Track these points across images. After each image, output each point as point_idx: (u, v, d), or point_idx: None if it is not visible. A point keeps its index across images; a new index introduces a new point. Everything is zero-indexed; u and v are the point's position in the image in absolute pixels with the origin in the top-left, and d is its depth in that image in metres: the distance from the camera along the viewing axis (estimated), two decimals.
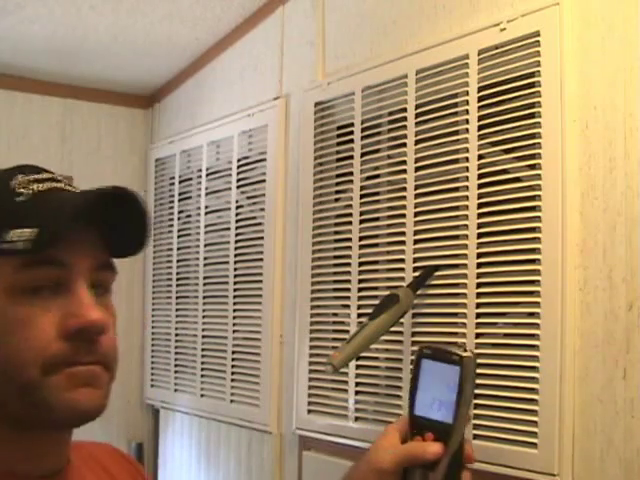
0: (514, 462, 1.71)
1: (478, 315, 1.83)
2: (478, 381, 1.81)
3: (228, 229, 2.84)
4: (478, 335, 1.83)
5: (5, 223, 0.81)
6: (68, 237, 0.82)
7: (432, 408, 0.95)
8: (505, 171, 1.82)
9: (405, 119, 2.06)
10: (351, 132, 2.26)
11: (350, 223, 2.24)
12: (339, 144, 2.33)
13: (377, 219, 2.18)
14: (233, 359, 2.78)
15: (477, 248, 1.84)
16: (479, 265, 1.84)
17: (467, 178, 1.88)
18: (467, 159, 1.88)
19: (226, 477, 2.84)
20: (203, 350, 2.96)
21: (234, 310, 2.79)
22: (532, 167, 1.74)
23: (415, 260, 2.00)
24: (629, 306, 1.55)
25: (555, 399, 1.64)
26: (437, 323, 1.95)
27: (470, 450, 0.98)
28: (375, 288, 2.15)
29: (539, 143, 1.72)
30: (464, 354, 0.94)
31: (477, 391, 1.82)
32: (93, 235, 0.88)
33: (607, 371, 1.58)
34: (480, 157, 1.86)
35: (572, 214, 1.66)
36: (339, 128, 2.34)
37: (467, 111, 1.89)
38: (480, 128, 1.85)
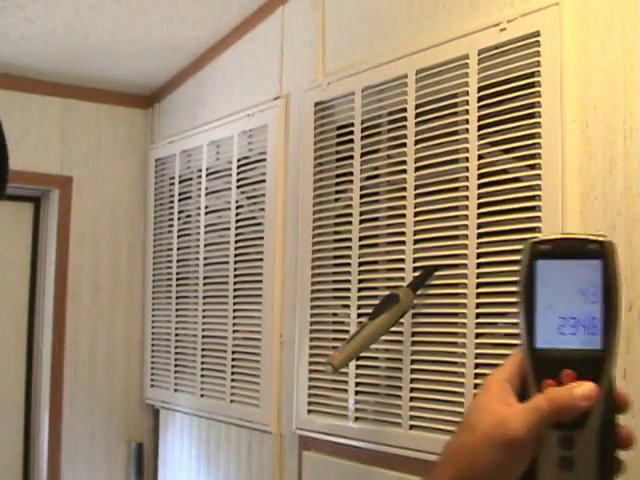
0: None
1: (478, 315, 1.83)
2: (477, 381, 1.81)
3: (228, 229, 2.84)
4: (478, 335, 1.83)
5: None
6: None
7: (563, 333, 0.63)
8: (505, 171, 1.82)
9: (405, 119, 2.06)
10: (351, 132, 2.26)
11: (350, 223, 2.24)
12: (339, 144, 2.33)
13: (377, 219, 2.18)
14: (233, 359, 2.78)
15: (477, 248, 1.84)
16: (479, 265, 1.84)
17: (467, 178, 1.88)
18: (467, 159, 1.88)
19: (226, 477, 2.84)
20: (203, 350, 2.96)
21: (234, 310, 2.79)
22: (532, 167, 1.74)
23: (415, 260, 2.00)
24: (629, 306, 1.55)
25: None
26: (437, 323, 1.95)
27: (625, 395, 0.65)
28: (375, 288, 2.15)
29: (539, 143, 1.72)
30: (605, 239, 0.63)
31: (477, 391, 1.82)
32: None
33: None
34: (480, 157, 1.86)
35: (572, 214, 1.66)
36: (339, 128, 2.34)
37: (467, 111, 1.89)
38: (480, 128, 1.85)
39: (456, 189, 1.92)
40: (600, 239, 0.63)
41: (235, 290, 2.78)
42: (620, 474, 0.61)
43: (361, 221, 2.21)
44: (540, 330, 0.63)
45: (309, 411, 2.36)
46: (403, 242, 2.04)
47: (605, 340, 0.62)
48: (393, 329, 1.91)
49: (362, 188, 2.21)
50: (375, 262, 2.17)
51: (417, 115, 2.03)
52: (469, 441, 0.62)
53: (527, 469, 0.61)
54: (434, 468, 0.63)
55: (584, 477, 0.61)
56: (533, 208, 1.72)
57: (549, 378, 0.62)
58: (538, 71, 1.73)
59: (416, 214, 2.01)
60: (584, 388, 0.61)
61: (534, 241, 0.63)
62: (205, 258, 2.96)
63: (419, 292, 1.94)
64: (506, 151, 1.81)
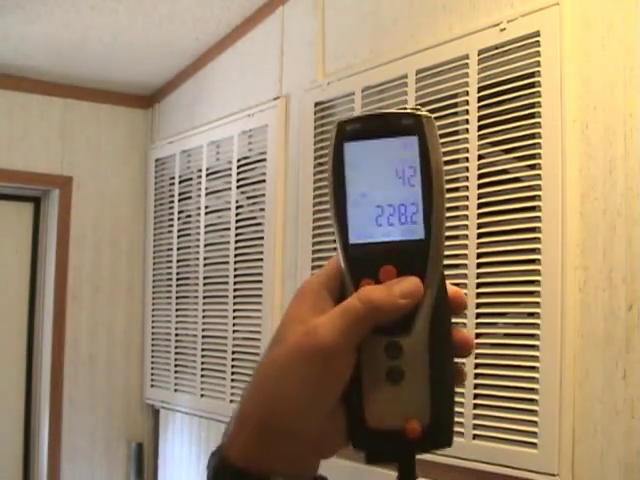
0: (514, 462, 1.71)
1: (478, 315, 1.83)
2: (477, 381, 1.81)
3: (228, 229, 2.84)
4: (478, 335, 1.83)
5: None
6: None
7: (381, 224, 0.53)
8: (505, 171, 1.82)
9: None
10: None
11: None
12: None
13: None
14: (233, 359, 2.78)
15: (477, 248, 1.84)
16: (479, 265, 1.84)
17: (467, 178, 1.88)
18: (467, 159, 1.88)
19: None
20: (203, 350, 2.96)
21: (234, 310, 2.79)
22: (532, 167, 1.74)
23: None
24: (629, 306, 1.55)
25: (555, 399, 1.64)
26: None
27: (460, 292, 0.55)
28: None
29: (539, 143, 1.72)
30: (421, 112, 0.52)
31: (477, 391, 1.82)
32: None
33: (607, 371, 1.58)
34: (480, 157, 1.86)
35: (572, 215, 1.66)
36: None
37: (467, 111, 1.89)
38: (480, 128, 1.85)
39: (456, 189, 1.92)
40: (415, 112, 0.52)
41: (235, 290, 2.78)
42: (459, 385, 0.54)
43: None
44: (354, 223, 0.53)
45: None
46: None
47: (427, 228, 0.52)
48: None
49: None
50: None
51: None
52: (277, 356, 0.52)
53: (350, 385, 0.52)
54: (243, 393, 0.55)
55: (415, 390, 0.51)
56: (533, 208, 1.72)
57: (367, 277, 0.52)
58: (538, 71, 1.73)
59: None
60: (404, 284, 0.51)
61: (341, 121, 0.53)
62: (205, 258, 2.96)
63: None
64: (506, 151, 1.81)
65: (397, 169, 0.52)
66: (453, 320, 0.53)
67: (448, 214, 1.93)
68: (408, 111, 0.52)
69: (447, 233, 1.98)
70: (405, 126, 0.52)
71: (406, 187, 0.52)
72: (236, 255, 2.79)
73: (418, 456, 0.51)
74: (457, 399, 1.85)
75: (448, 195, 1.93)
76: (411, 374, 0.51)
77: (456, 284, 1.90)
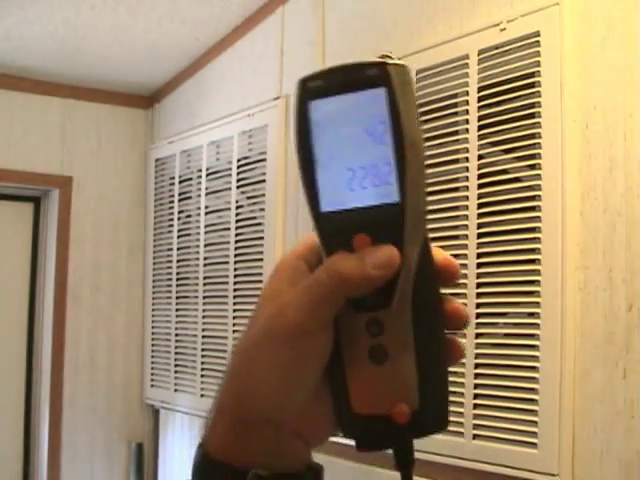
0: (514, 462, 1.71)
1: (478, 315, 1.83)
2: (477, 381, 1.81)
3: (228, 229, 2.84)
4: (478, 335, 1.83)
5: None
6: None
7: (353, 189, 0.47)
8: (505, 171, 1.82)
9: None
10: None
11: None
12: None
13: None
14: None
15: (477, 248, 1.84)
16: (479, 265, 1.84)
17: (467, 178, 1.88)
18: (467, 159, 1.88)
19: None
20: (203, 350, 2.96)
21: (234, 310, 2.79)
22: (532, 167, 1.74)
23: None
24: (629, 306, 1.55)
25: (555, 399, 1.64)
26: None
27: (450, 260, 0.49)
28: None
29: (539, 143, 1.72)
30: (388, 61, 0.47)
31: (477, 391, 1.82)
32: None
33: (607, 371, 1.58)
34: (480, 157, 1.86)
35: (572, 214, 1.66)
36: None
37: (467, 111, 1.89)
38: (480, 128, 1.85)
39: (456, 189, 1.92)
40: (381, 60, 0.46)
41: (235, 290, 2.78)
42: (455, 361, 0.48)
43: None
44: (324, 189, 0.47)
45: None
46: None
47: (402, 190, 0.45)
48: None
49: None
50: None
51: None
52: (249, 340, 0.48)
53: (333, 367, 0.47)
54: (220, 380, 0.50)
55: (401, 370, 0.46)
56: (533, 208, 1.72)
57: (341, 248, 0.46)
58: (538, 71, 1.73)
59: None
60: (377, 253, 0.45)
61: (303, 78, 0.47)
62: (205, 258, 2.96)
63: None
64: (506, 151, 1.81)
65: (367, 126, 0.45)
66: (448, 291, 0.47)
67: (447, 214, 1.93)
68: (373, 60, 0.46)
69: (447, 233, 1.99)
70: (371, 77, 0.46)
71: (377, 145, 0.45)
72: (236, 255, 2.79)
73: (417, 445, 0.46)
74: (457, 399, 1.85)
75: (448, 195, 1.93)
76: (395, 352, 0.46)
77: (456, 284, 1.88)
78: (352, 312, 0.46)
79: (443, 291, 0.48)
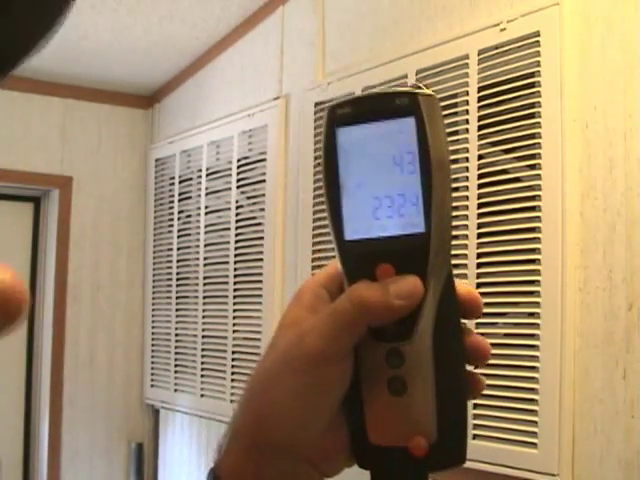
0: (514, 462, 1.71)
1: None
2: None
3: (228, 229, 2.84)
4: None
5: None
6: None
7: (379, 217, 0.46)
8: (505, 171, 1.82)
9: None
10: None
11: None
12: None
13: None
14: (233, 359, 2.78)
15: (477, 248, 1.84)
16: (479, 265, 1.84)
17: (467, 178, 1.88)
18: (467, 159, 1.88)
19: None
20: (203, 350, 2.96)
21: (234, 310, 2.79)
22: (532, 167, 1.74)
23: None
24: (629, 306, 1.55)
25: (555, 399, 1.64)
26: None
27: (473, 293, 0.48)
28: None
29: (539, 143, 1.72)
30: (418, 91, 0.45)
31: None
32: None
33: (607, 371, 1.58)
34: (480, 157, 1.86)
35: (572, 214, 1.66)
36: None
37: (467, 111, 1.89)
38: (480, 128, 1.85)
39: (456, 189, 1.92)
40: (410, 90, 0.45)
41: (235, 290, 2.78)
42: (474, 396, 0.47)
43: None
44: (350, 217, 0.47)
45: None
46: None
47: (428, 221, 0.45)
48: None
49: None
50: None
51: None
52: (268, 365, 0.47)
53: (351, 396, 0.47)
54: (236, 404, 0.49)
55: (419, 403, 0.45)
56: (533, 208, 1.72)
57: (364, 277, 0.46)
58: (538, 71, 1.73)
59: None
60: (401, 283, 0.44)
61: (333, 105, 0.47)
62: (205, 258, 2.96)
63: None
64: (506, 151, 1.81)
65: (394, 155, 0.45)
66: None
67: None
68: (403, 89, 0.45)
69: None
70: (400, 106, 0.45)
71: (405, 175, 0.45)
72: (236, 255, 2.79)
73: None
74: None
75: None
76: (414, 385, 0.46)
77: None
78: (373, 342, 0.46)
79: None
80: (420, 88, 0.45)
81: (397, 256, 0.45)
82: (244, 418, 0.48)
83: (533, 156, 1.74)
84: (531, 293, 1.73)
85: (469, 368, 0.47)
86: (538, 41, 1.73)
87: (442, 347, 0.45)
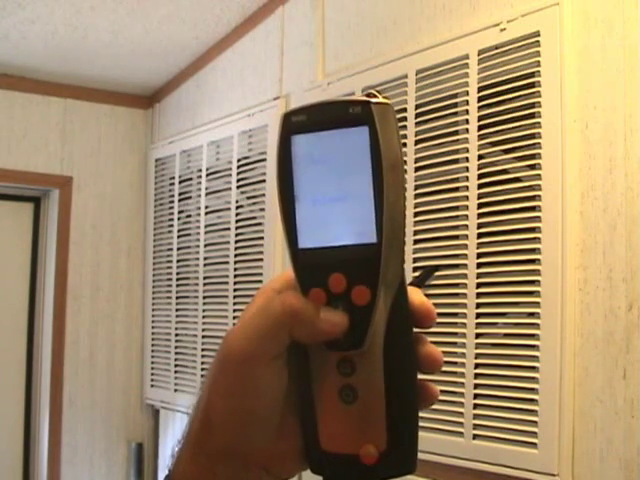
0: (514, 462, 1.71)
1: (478, 315, 1.83)
2: (477, 381, 1.81)
3: (228, 229, 2.84)
4: (478, 335, 1.83)
5: None
6: None
7: (331, 226, 0.47)
8: (505, 171, 1.82)
9: (405, 119, 2.06)
10: None
11: None
12: None
13: None
14: None
15: (477, 248, 1.84)
16: (479, 265, 1.84)
17: (467, 178, 1.88)
18: (467, 159, 1.88)
19: None
20: (203, 350, 2.96)
21: (234, 310, 2.79)
22: (532, 167, 1.74)
23: (415, 260, 2.00)
24: (629, 306, 1.55)
25: (555, 399, 1.64)
26: (437, 323, 1.94)
27: (427, 303, 0.49)
28: None
29: (539, 143, 1.72)
30: (372, 99, 0.45)
31: (477, 391, 1.82)
32: None
33: (607, 371, 1.58)
34: (480, 157, 1.86)
35: (572, 214, 1.66)
36: None
37: (467, 111, 1.89)
38: (480, 128, 1.85)
39: (456, 189, 1.92)
40: (364, 99, 0.45)
41: (235, 290, 2.78)
42: (426, 405, 0.47)
43: None
44: (303, 225, 0.47)
45: None
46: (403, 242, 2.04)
47: (380, 230, 0.44)
48: None
49: None
50: None
51: (417, 115, 2.03)
52: (211, 368, 0.47)
53: (303, 403, 0.47)
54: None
55: (370, 411, 0.46)
56: (533, 208, 1.72)
57: (316, 287, 0.46)
58: (538, 71, 1.73)
59: (416, 214, 2.01)
60: (331, 314, 0.44)
61: (288, 112, 0.47)
62: (205, 258, 2.96)
63: None
64: (506, 151, 1.81)
65: (348, 164, 0.45)
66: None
67: (447, 214, 1.93)
68: (357, 98, 0.45)
69: (447, 233, 1.98)
70: (353, 115, 0.45)
71: (357, 184, 0.45)
72: (236, 255, 2.79)
73: None
74: (457, 399, 1.85)
75: (448, 195, 1.93)
76: (365, 393, 0.46)
77: (456, 284, 1.90)
78: (324, 350, 0.46)
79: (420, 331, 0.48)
80: (375, 97, 0.45)
81: (349, 266, 0.45)
82: (193, 424, 0.47)
83: (533, 156, 1.74)
84: (531, 293, 1.73)
85: (423, 377, 0.47)
86: (538, 41, 1.73)
87: (393, 356, 0.46)
